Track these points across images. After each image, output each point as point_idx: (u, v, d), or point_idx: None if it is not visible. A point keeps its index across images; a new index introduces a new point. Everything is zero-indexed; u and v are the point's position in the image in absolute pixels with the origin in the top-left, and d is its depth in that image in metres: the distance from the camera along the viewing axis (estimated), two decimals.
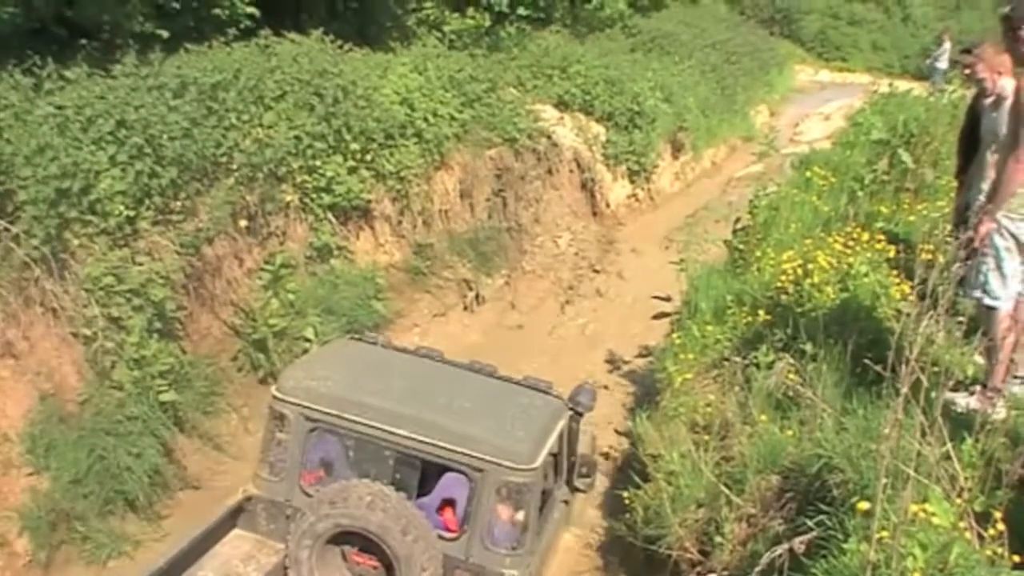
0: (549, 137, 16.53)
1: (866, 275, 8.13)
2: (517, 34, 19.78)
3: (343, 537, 6.21)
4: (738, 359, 7.71)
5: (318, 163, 11.39)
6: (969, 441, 4.54)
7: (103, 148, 8.84)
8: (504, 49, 18.44)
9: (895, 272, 8.21)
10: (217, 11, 12.51)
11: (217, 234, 9.98)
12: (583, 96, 18.78)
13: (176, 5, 12.07)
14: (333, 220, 11.60)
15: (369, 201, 12.16)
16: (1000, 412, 5.53)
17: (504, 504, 6.37)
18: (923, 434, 4.11)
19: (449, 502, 6.64)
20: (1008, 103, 6.37)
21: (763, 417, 6.58)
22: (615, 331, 13.14)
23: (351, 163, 11.85)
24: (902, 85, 21.41)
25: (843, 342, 7.10)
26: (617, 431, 10.03)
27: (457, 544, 6.37)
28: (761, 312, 8.51)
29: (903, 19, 58.14)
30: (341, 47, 12.93)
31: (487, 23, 19.15)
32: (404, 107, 13.06)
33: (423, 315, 12.41)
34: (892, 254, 8.60)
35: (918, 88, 19.32)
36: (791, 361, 7.15)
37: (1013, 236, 6.01)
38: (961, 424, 4.92)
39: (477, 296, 12.29)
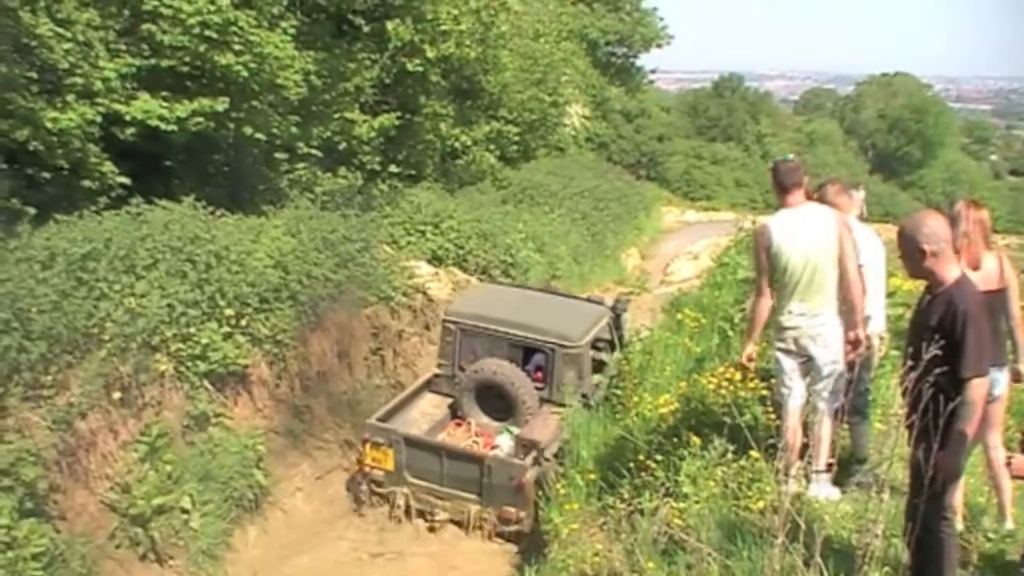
0: (425, 293, 16.65)
1: (742, 414, 8.26)
2: (389, 191, 20.12)
3: (483, 388, 12.11)
4: (622, 506, 7.76)
5: (192, 330, 11.22)
6: None
7: None
8: (377, 207, 18.62)
9: (769, 409, 8.37)
10: (87, 182, 12.45)
11: (90, 408, 9.70)
12: (457, 250, 19.16)
13: (46, 175, 12.00)
14: (210, 387, 11.39)
15: (246, 366, 12.00)
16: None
17: (567, 366, 12.04)
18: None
19: (539, 367, 12.54)
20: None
21: (650, 564, 6.60)
22: None
23: (226, 329, 11.71)
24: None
25: (723, 482, 7.23)
26: None
27: (544, 390, 12.19)
28: (642, 456, 8.59)
29: (762, 156, 61.03)
30: (213, 212, 12.92)
31: (359, 182, 19.44)
32: (278, 270, 13.01)
33: (305, 478, 12.21)
34: (765, 392, 8.77)
35: None
36: (674, 504, 7.24)
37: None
38: (841, 556, 5.02)
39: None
